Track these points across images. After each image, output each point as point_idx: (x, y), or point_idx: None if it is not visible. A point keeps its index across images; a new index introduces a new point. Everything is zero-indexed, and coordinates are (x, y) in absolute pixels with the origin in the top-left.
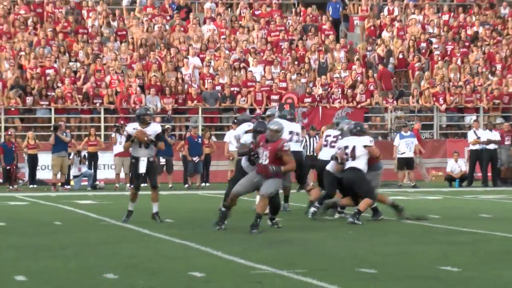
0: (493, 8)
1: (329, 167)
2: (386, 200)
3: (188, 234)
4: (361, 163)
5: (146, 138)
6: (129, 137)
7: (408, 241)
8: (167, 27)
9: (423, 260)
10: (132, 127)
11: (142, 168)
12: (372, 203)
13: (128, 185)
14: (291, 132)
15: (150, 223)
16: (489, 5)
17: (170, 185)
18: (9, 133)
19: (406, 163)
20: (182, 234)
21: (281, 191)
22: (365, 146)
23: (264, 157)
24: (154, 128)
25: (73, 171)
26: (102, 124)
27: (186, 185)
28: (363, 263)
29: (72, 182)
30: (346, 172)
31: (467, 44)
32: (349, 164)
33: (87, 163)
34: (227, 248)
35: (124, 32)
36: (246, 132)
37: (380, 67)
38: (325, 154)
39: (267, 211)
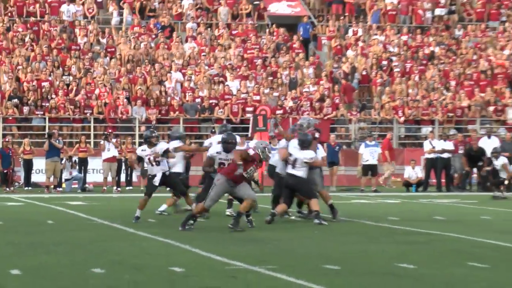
0: (448, 29)
1: (278, 169)
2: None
3: (170, 233)
4: (300, 172)
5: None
6: (139, 158)
7: (369, 241)
8: (152, 44)
9: (382, 258)
10: (141, 149)
11: (157, 182)
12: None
13: (115, 188)
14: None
15: (136, 223)
16: (445, 27)
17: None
18: (7, 139)
19: (370, 170)
20: (164, 233)
21: None
22: (305, 162)
23: (251, 173)
24: (161, 147)
25: (65, 175)
26: (92, 132)
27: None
28: (328, 260)
29: (63, 185)
30: (288, 177)
31: (424, 62)
32: (290, 170)
33: (77, 167)
34: (204, 245)
35: (113, 49)
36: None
37: (343, 82)
38: (275, 160)
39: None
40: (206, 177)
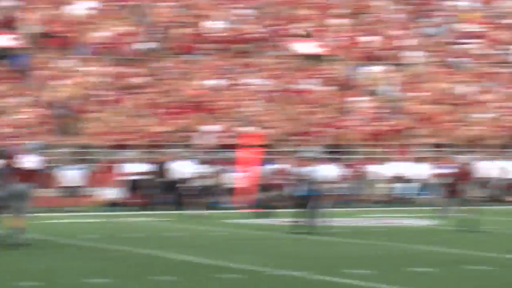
0: (153, 61)
1: None
2: None
3: None
4: None
5: None
6: None
7: (65, 257)
8: None
9: (74, 274)
10: None
11: None
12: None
13: None
14: None
15: None
16: (150, 59)
17: None
18: None
19: (73, 191)
20: None
21: None
22: None
23: None
24: None
25: None
26: None
27: None
28: (26, 277)
29: None
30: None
31: (129, 91)
32: None
33: None
34: None
35: None
36: None
37: (54, 110)
38: None
39: None
40: None
